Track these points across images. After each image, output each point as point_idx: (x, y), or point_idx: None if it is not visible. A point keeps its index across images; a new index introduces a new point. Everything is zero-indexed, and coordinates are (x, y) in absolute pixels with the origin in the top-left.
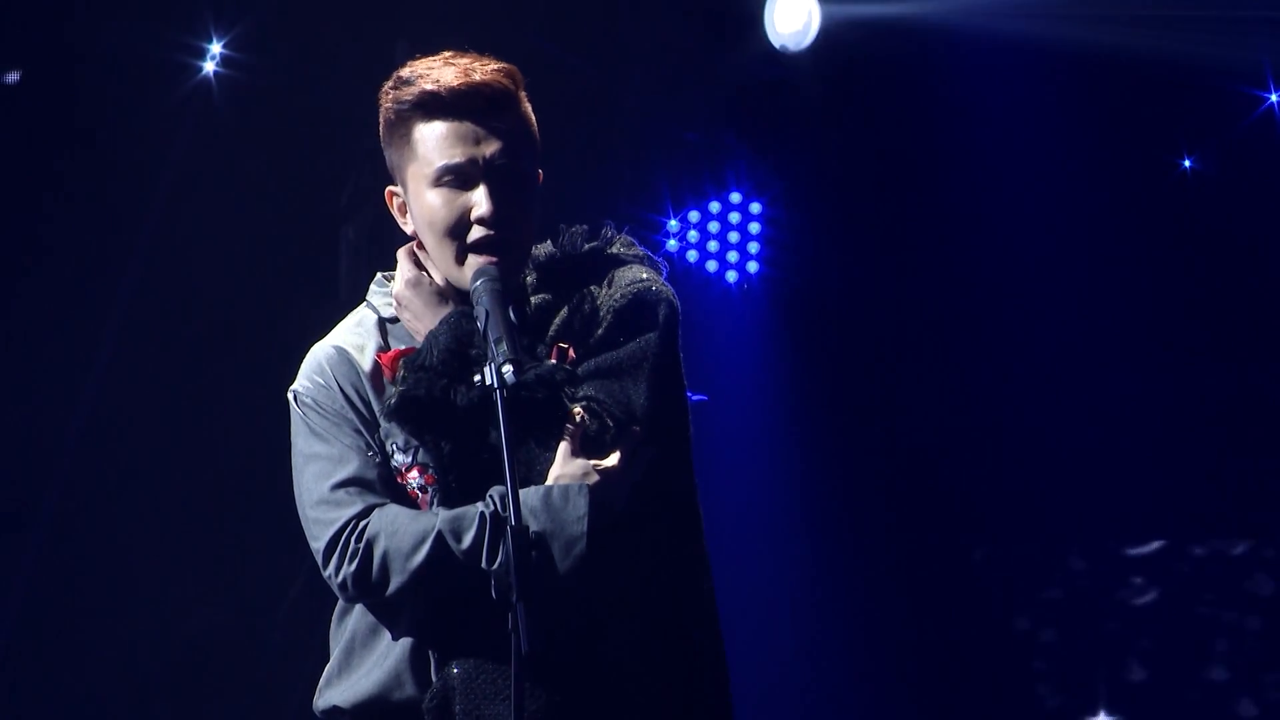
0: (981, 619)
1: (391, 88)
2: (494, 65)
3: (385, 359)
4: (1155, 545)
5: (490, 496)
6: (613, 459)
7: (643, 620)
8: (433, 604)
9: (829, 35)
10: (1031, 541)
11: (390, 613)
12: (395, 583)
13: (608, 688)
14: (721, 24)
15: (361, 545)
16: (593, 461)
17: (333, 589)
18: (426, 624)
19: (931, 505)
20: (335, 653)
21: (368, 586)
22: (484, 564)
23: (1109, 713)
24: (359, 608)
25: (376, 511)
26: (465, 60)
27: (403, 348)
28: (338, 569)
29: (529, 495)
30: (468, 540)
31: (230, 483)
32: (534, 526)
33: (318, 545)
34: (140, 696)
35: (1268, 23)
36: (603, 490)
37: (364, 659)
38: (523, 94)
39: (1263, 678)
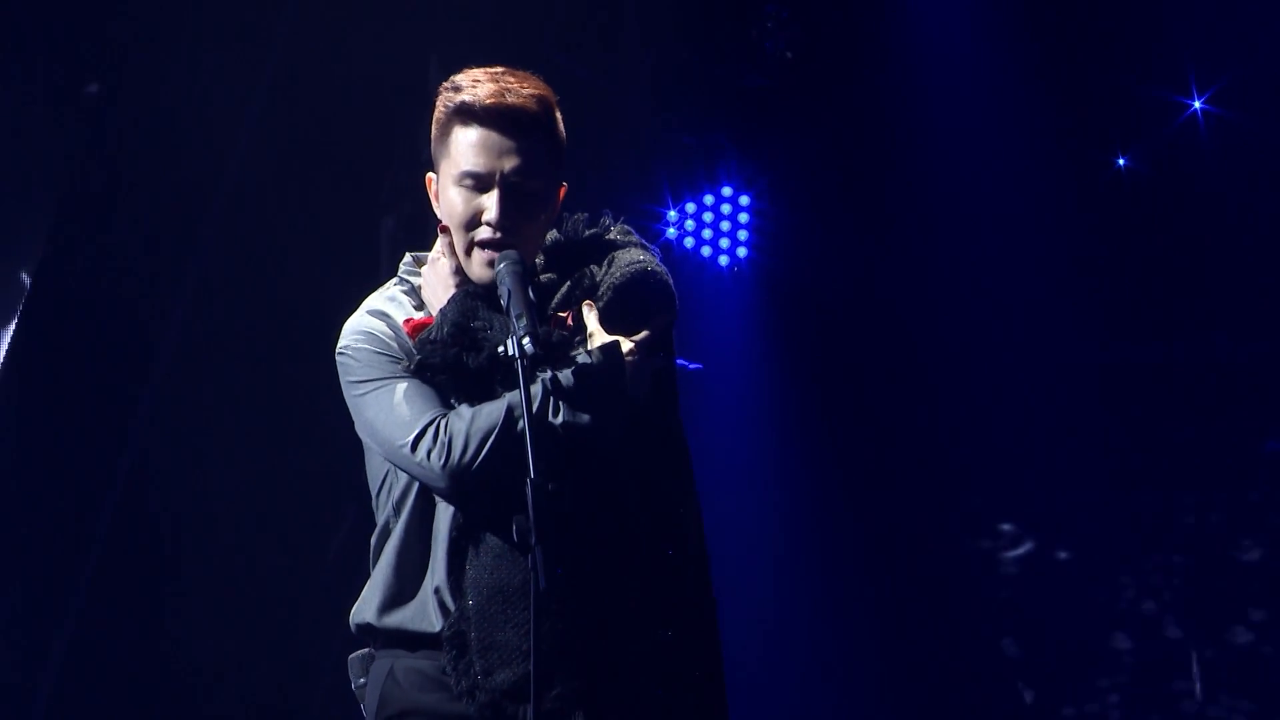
0: (952, 576)
1: (446, 89)
2: (532, 89)
3: (408, 328)
4: (1104, 498)
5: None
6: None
7: (638, 551)
8: (452, 545)
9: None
10: (997, 502)
11: (420, 548)
12: (484, 453)
13: (605, 614)
14: (715, 37)
15: (449, 431)
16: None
17: (423, 477)
18: (445, 564)
19: (900, 461)
20: (373, 578)
21: (458, 465)
22: (551, 417)
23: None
24: (393, 539)
25: (459, 408)
26: (511, 79)
27: (424, 317)
28: (428, 453)
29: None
30: (538, 400)
31: (284, 441)
32: (595, 356)
33: (405, 441)
34: (211, 627)
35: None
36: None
37: (398, 590)
38: (556, 115)
39: (1187, 607)
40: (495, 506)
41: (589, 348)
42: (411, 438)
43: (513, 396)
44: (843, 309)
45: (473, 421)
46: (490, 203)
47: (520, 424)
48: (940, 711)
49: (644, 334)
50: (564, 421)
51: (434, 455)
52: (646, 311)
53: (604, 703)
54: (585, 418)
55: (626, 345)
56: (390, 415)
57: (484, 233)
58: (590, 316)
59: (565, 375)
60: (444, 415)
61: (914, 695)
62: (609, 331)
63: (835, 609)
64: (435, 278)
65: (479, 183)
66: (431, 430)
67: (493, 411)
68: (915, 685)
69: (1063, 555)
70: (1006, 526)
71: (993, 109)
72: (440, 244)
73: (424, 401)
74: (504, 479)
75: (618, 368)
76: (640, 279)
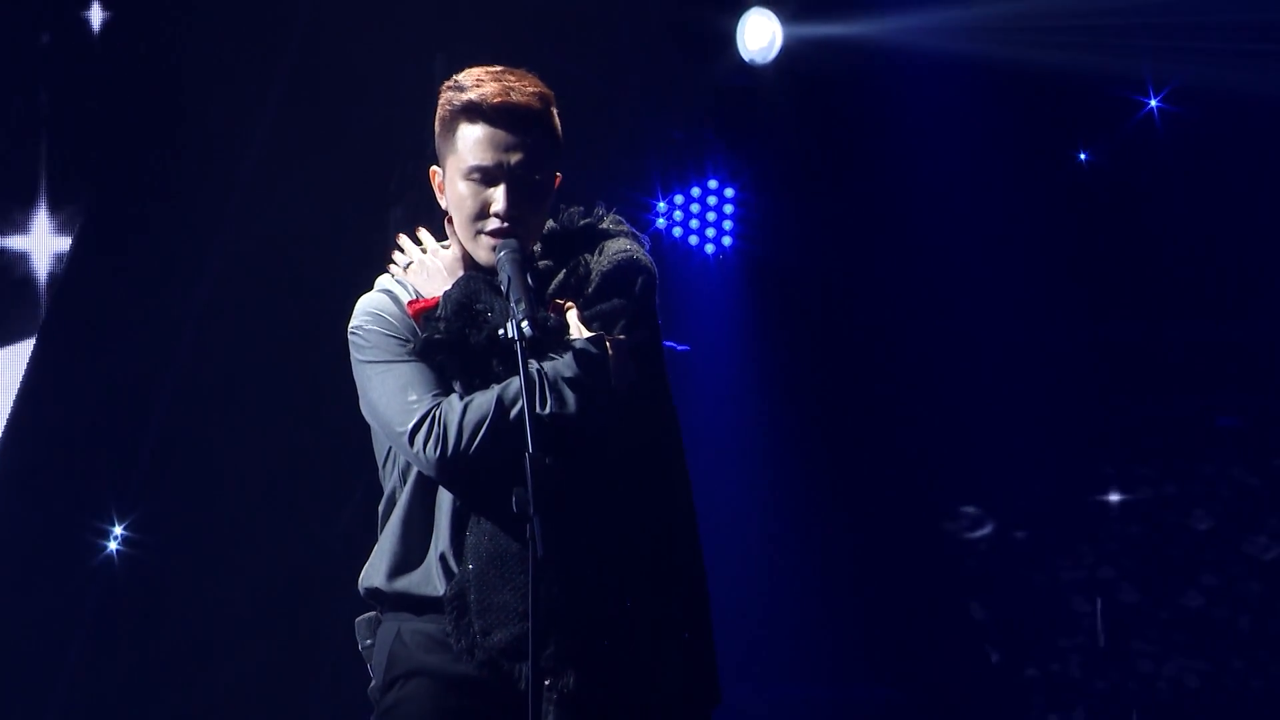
0: (925, 547)
1: (449, 88)
2: (533, 87)
3: (412, 309)
4: (1068, 471)
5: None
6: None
7: (630, 522)
8: (455, 513)
9: (790, 51)
10: (968, 476)
11: (425, 516)
12: (476, 443)
13: (597, 579)
14: (701, 42)
15: (443, 424)
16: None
17: (419, 465)
18: (448, 532)
19: (877, 439)
20: (380, 544)
21: (451, 456)
22: (539, 409)
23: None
24: (399, 508)
25: (450, 397)
26: (511, 78)
27: (426, 299)
28: (424, 443)
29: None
30: (511, 392)
31: (297, 420)
32: (581, 346)
33: (404, 429)
34: (225, 596)
35: (1148, 34)
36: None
37: (405, 557)
38: (553, 111)
39: (1143, 573)
40: (495, 479)
41: (572, 339)
42: (409, 428)
43: (501, 388)
44: (821, 294)
45: (464, 415)
46: (498, 195)
47: (511, 414)
48: (912, 672)
49: (622, 337)
50: (551, 412)
51: (429, 447)
52: (629, 295)
53: (596, 660)
54: (571, 408)
55: (609, 339)
56: (391, 400)
57: (493, 223)
58: (571, 315)
59: (550, 367)
60: (439, 406)
61: (887, 656)
62: (594, 315)
63: (816, 577)
64: (436, 265)
65: (486, 176)
66: (427, 423)
67: (482, 404)
68: (888, 647)
69: (1027, 524)
70: (976, 501)
71: (961, 104)
72: (449, 232)
73: (423, 389)
74: (497, 462)
75: (602, 361)
76: (625, 266)
